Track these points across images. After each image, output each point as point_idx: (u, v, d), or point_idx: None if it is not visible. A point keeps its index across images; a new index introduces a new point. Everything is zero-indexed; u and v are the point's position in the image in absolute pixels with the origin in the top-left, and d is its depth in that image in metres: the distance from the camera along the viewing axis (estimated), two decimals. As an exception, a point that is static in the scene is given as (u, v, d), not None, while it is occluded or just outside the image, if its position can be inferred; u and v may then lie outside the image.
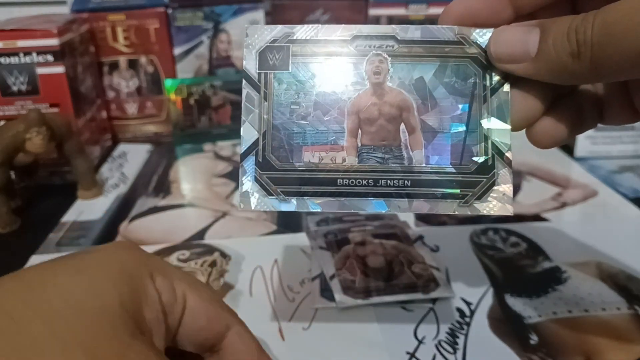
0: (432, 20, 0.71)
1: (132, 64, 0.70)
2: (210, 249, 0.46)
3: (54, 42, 0.56)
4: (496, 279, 0.41)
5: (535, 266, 0.42)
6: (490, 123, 0.25)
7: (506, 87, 0.25)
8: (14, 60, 0.56)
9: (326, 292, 0.39)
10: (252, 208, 0.25)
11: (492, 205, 0.25)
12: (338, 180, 0.25)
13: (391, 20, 0.71)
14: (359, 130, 0.26)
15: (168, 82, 0.70)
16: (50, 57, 0.56)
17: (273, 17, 0.71)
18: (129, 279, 0.22)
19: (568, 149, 0.65)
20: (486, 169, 0.25)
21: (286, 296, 0.39)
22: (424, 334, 0.35)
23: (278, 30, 0.26)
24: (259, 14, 0.70)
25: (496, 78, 0.25)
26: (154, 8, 0.68)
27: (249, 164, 0.25)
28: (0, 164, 0.49)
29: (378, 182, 0.25)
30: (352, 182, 0.25)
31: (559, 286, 0.40)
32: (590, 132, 0.62)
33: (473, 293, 0.39)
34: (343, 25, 0.25)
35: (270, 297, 0.39)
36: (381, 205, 0.25)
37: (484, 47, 0.25)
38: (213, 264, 0.43)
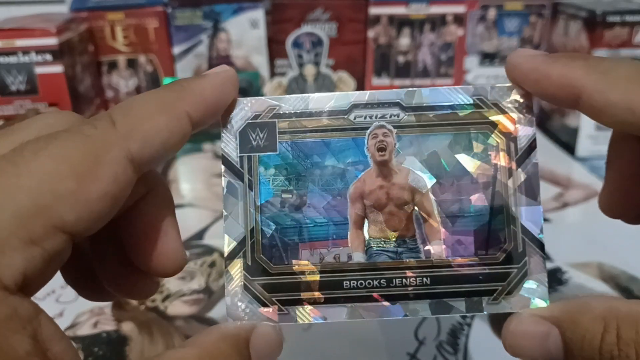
0: (433, 19, 0.71)
1: (131, 63, 0.70)
2: (210, 250, 0.45)
3: (52, 41, 0.55)
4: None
5: (537, 267, 0.42)
6: (519, 201, 0.22)
7: (534, 157, 0.22)
8: (12, 59, 0.56)
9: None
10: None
11: (525, 301, 0.21)
12: (344, 282, 0.21)
13: (392, 20, 0.71)
14: (365, 220, 0.22)
15: (167, 82, 0.70)
16: (48, 57, 0.56)
17: (273, 16, 0.71)
18: None
19: (569, 148, 0.65)
20: (516, 257, 0.21)
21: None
22: (425, 334, 0.35)
23: (260, 103, 0.22)
24: (259, 13, 0.70)
25: (523, 146, 0.22)
26: (153, 7, 0.68)
27: (236, 269, 0.21)
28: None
29: (392, 282, 0.21)
30: (361, 283, 0.21)
31: (560, 287, 0.39)
32: (591, 131, 0.62)
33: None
34: (337, 93, 0.22)
35: (270, 297, 0.39)
36: (397, 310, 0.21)
37: (505, 108, 0.22)
38: (212, 265, 0.43)
